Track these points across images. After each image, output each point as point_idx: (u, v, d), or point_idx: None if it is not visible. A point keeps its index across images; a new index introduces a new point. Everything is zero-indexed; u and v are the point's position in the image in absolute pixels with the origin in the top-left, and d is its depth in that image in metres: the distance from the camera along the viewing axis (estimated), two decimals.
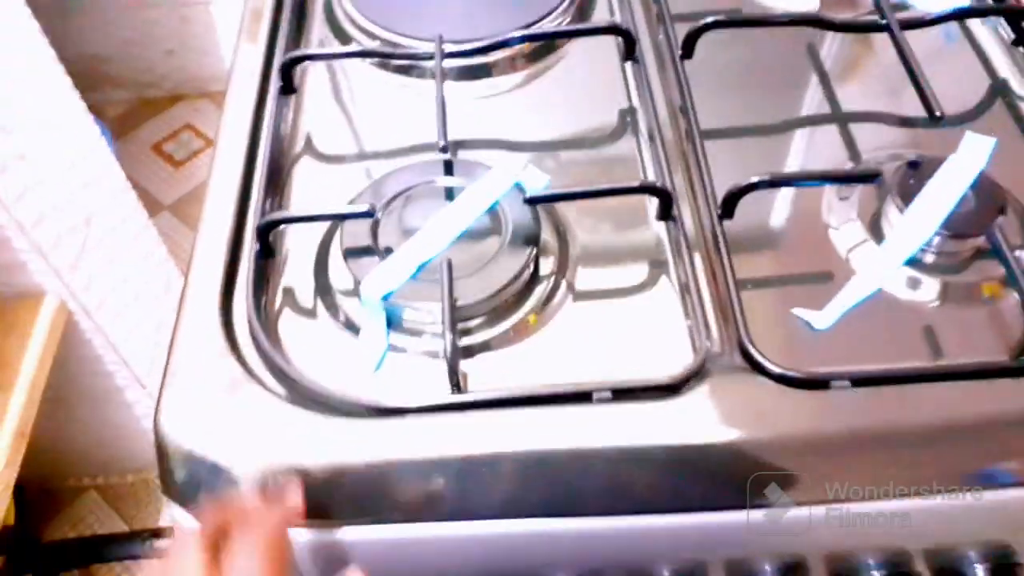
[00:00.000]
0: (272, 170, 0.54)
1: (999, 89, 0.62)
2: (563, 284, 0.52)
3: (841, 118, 0.61)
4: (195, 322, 0.47)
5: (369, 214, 0.49)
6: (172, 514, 0.45)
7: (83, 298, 0.99)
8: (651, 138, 0.57)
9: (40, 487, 1.25)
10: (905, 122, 0.60)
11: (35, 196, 0.88)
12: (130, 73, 1.76)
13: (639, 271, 0.52)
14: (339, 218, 0.50)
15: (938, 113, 0.51)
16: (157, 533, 1.16)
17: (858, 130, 0.60)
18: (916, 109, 0.56)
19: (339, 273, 0.51)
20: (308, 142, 0.59)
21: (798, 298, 0.50)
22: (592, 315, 0.50)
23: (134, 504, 1.28)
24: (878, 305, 0.49)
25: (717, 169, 0.54)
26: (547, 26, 0.63)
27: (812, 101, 0.62)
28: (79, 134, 1.00)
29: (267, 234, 0.50)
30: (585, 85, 0.63)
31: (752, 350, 0.44)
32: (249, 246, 0.50)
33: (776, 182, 0.49)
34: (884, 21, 0.58)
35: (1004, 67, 0.62)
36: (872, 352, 0.47)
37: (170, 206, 1.69)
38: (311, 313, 0.50)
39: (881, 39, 0.61)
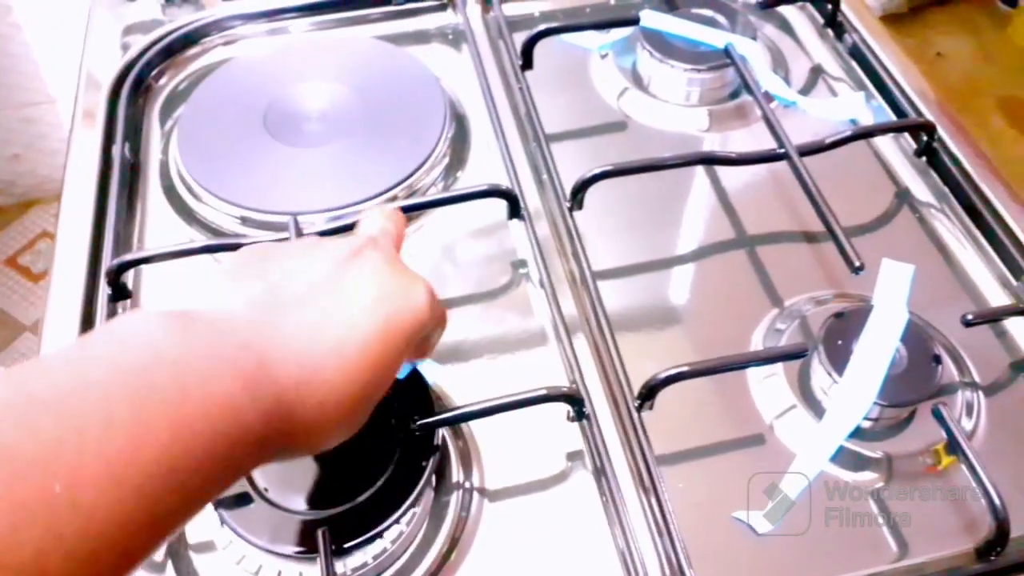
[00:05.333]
0: None
1: (903, 197, 0.58)
2: (475, 494, 0.45)
3: (747, 242, 0.56)
4: None
5: None
6: None
7: None
8: (541, 285, 0.52)
9: None
10: (811, 238, 0.56)
11: None
12: None
13: (554, 463, 0.46)
14: None
15: (857, 264, 0.47)
16: None
17: (767, 256, 0.55)
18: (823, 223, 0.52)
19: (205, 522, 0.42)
20: None
21: (728, 475, 0.45)
22: (510, 526, 0.44)
23: None
24: (821, 490, 0.44)
25: (627, 315, 0.50)
26: (421, 182, 0.56)
27: (715, 229, 0.57)
28: None
29: None
30: (468, 238, 0.56)
31: None
32: None
33: (698, 372, 0.44)
34: (783, 150, 0.54)
35: (907, 176, 0.59)
36: (824, 552, 0.42)
37: (32, 326, 1.53)
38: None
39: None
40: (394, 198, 0.55)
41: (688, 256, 0.56)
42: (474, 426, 0.47)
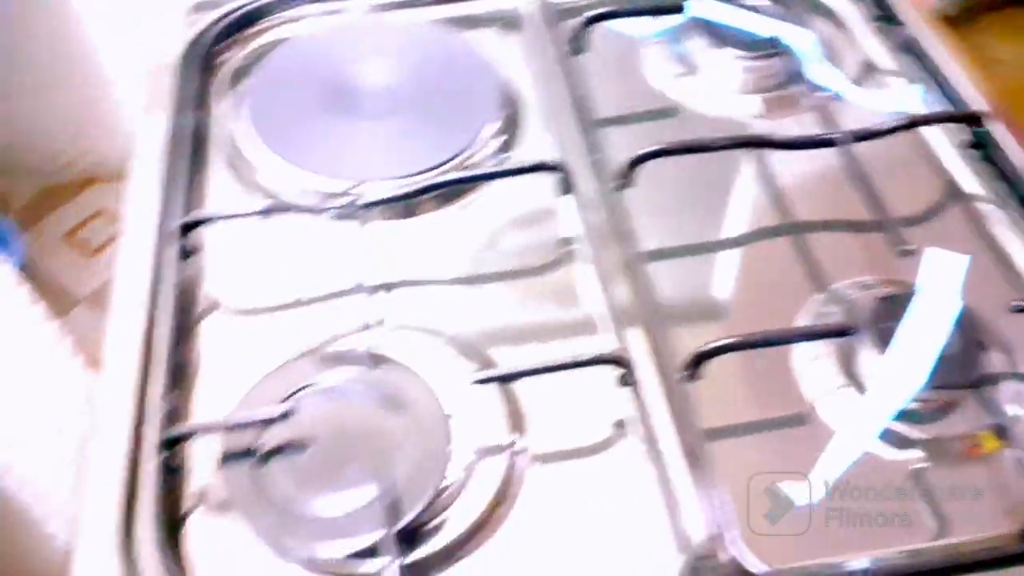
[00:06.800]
0: (175, 359, 0.48)
1: (954, 189, 0.58)
2: (521, 454, 0.46)
3: (794, 228, 0.57)
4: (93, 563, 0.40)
5: (285, 415, 0.42)
6: None
7: None
8: (590, 264, 0.53)
9: None
10: (858, 226, 0.56)
11: None
12: (35, 160, 1.66)
13: (601, 431, 0.47)
14: (256, 425, 0.43)
15: (908, 248, 0.47)
16: None
17: (814, 241, 0.56)
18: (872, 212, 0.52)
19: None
20: (216, 303, 0.53)
21: (773, 450, 0.46)
22: (556, 488, 0.45)
23: None
24: (862, 467, 0.45)
25: (676, 295, 0.51)
26: (474, 158, 0.58)
27: (763, 213, 0.58)
28: None
29: (172, 447, 0.43)
30: (518, 214, 0.57)
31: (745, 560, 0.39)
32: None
33: (745, 344, 0.44)
34: (834, 135, 0.54)
35: (957, 168, 0.59)
36: (864, 527, 0.43)
37: (87, 298, 1.58)
38: (227, 520, 0.43)
39: None
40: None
41: (736, 240, 0.56)
42: (524, 391, 0.48)
